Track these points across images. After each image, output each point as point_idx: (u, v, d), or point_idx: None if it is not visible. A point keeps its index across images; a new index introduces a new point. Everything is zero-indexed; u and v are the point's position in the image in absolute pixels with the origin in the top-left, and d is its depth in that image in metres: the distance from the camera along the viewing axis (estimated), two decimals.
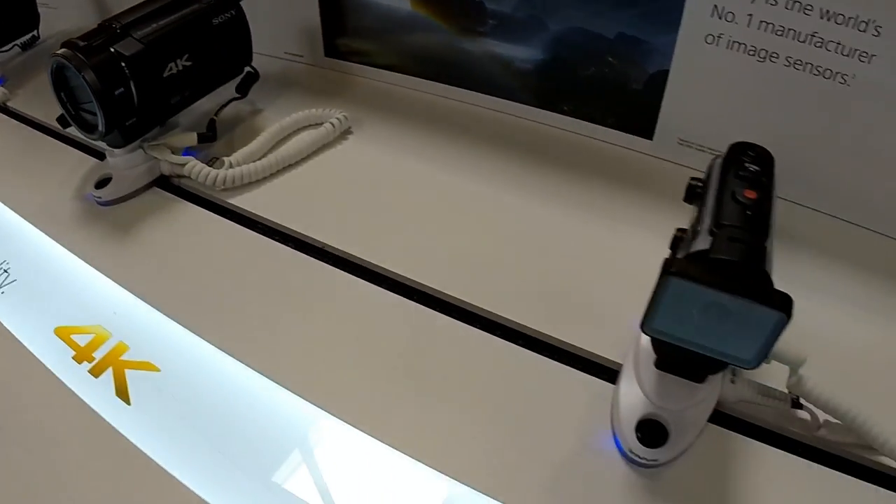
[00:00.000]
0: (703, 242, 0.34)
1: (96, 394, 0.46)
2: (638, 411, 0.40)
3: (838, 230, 0.56)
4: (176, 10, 0.59)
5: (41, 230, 0.59)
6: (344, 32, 0.73)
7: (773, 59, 0.53)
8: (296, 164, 0.62)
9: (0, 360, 0.49)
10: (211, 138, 0.62)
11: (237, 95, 0.66)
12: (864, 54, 0.50)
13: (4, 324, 0.52)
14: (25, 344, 0.50)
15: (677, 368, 0.39)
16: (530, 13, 0.62)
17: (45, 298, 0.54)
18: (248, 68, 0.66)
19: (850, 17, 0.49)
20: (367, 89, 0.73)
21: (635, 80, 0.60)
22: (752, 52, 0.54)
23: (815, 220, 0.57)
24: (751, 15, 0.52)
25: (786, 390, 0.40)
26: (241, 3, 0.63)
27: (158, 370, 0.47)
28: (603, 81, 0.62)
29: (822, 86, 0.52)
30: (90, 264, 0.55)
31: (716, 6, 0.53)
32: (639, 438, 0.40)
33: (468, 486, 0.39)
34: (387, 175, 0.62)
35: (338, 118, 0.64)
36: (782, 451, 0.41)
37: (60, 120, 0.58)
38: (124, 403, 0.45)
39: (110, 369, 0.47)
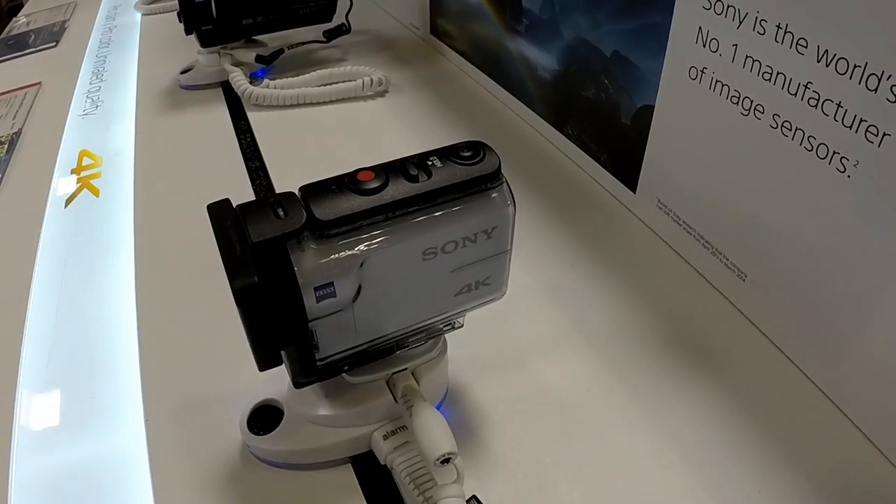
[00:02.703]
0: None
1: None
2: (260, 395, 0.36)
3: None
4: None
5: (138, 88, 0.75)
6: (440, 13, 0.74)
7: (757, 113, 0.38)
8: (318, 105, 0.66)
9: None
10: (267, 61, 0.70)
11: (322, 39, 0.73)
12: (874, 130, 0.32)
13: None
14: None
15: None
16: (550, 15, 0.55)
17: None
18: (343, 21, 0.73)
19: (855, 65, 0.32)
20: (435, 67, 0.74)
21: (625, 113, 0.49)
22: (735, 100, 0.40)
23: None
24: (735, 45, 0.38)
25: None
26: None
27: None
28: (599, 107, 0.52)
29: (814, 167, 0.36)
30: (137, 119, 0.68)
31: (700, 28, 0.40)
32: (249, 421, 0.36)
33: None
34: (386, 136, 0.62)
35: (371, 77, 0.66)
36: None
37: (178, 16, 0.72)
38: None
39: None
